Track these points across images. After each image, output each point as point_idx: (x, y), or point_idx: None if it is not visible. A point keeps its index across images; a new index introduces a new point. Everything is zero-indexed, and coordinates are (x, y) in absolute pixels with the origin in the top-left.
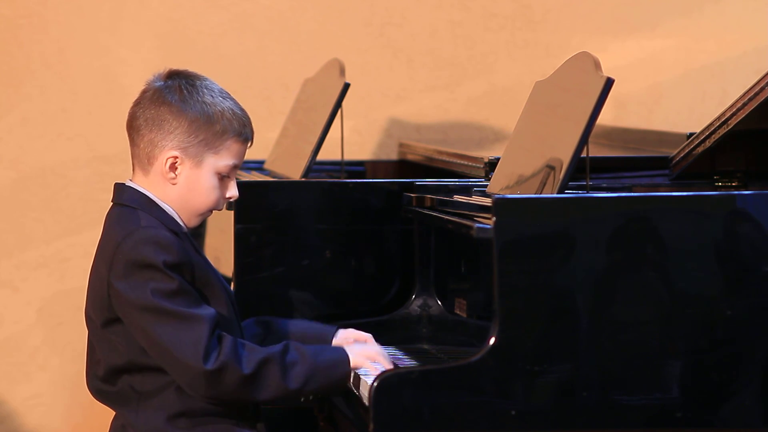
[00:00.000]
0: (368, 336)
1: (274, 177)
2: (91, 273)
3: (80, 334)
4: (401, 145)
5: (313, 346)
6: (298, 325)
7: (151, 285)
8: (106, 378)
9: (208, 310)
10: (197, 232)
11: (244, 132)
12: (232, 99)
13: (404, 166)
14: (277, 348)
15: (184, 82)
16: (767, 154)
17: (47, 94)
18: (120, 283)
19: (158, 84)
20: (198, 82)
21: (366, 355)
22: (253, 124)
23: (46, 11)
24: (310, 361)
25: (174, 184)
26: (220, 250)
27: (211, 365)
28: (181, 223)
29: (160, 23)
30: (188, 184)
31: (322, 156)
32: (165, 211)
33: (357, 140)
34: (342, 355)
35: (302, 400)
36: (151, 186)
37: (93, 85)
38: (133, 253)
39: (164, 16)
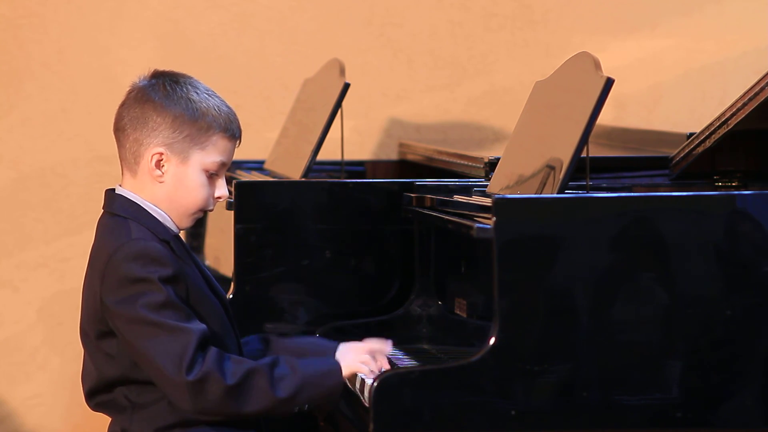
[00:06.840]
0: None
1: (274, 177)
2: (84, 285)
3: None
4: (401, 145)
5: (305, 359)
6: (298, 342)
7: (140, 299)
8: (102, 388)
9: (197, 325)
10: (197, 232)
11: (230, 128)
12: (219, 97)
13: (404, 166)
14: (265, 360)
15: (168, 80)
16: (767, 154)
17: (47, 94)
18: (110, 297)
19: (142, 83)
20: (182, 80)
21: (360, 360)
22: (253, 124)
23: (46, 11)
24: (300, 372)
25: (161, 182)
26: (220, 250)
27: (192, 376)
28: (172, 226)
29: (159, 23)
30: (175, 182)
31: (322, 156)
32: (155, 217)
33: (357, 140)
34: (333, 365)
35: (296, 410)
36: (139, 188)
37: (93, 85)
38: (124, 268)
39: (164, 16)
